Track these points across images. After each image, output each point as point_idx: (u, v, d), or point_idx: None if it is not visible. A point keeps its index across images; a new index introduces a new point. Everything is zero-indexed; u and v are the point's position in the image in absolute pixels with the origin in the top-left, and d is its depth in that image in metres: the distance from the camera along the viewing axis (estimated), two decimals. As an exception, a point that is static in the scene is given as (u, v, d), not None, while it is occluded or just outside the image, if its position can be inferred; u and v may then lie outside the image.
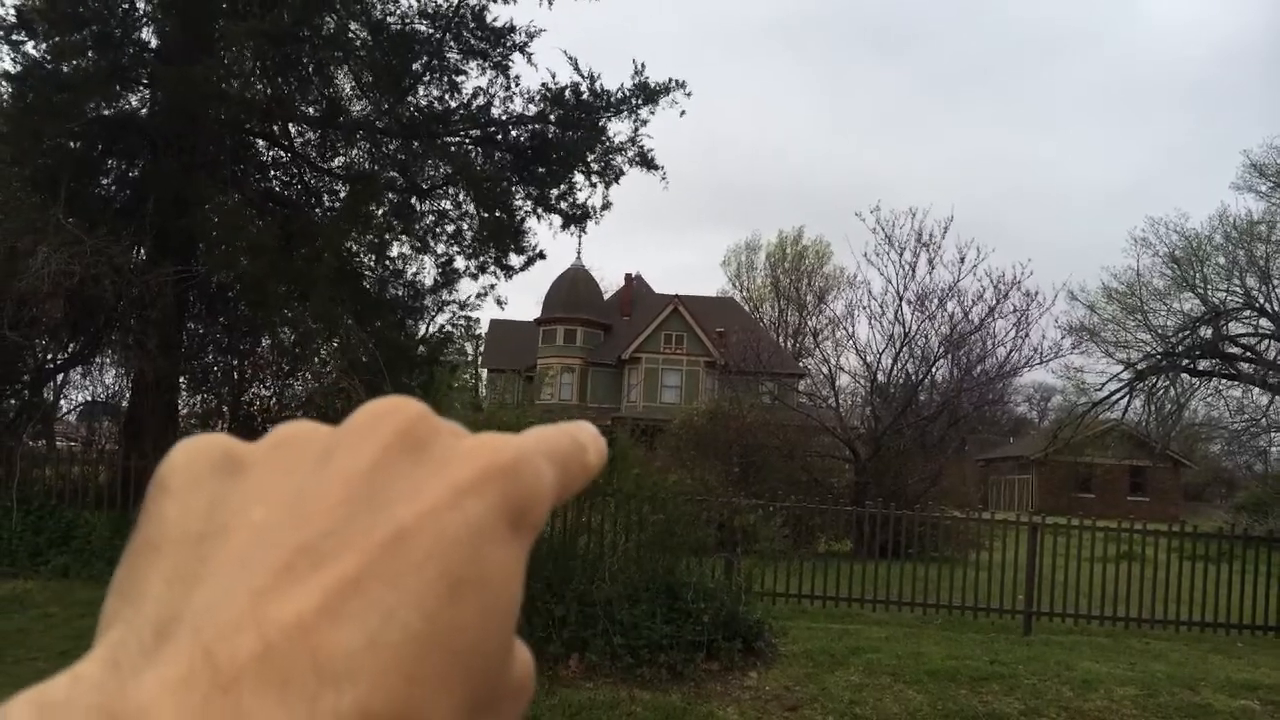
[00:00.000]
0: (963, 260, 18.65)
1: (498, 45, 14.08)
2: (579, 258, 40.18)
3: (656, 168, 14.70)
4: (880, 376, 19.21)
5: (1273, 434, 21.65)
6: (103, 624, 0.24)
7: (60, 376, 14.00)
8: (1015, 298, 18.50)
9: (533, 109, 14.41)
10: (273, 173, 15.02)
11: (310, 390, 13.41)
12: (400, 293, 15.62)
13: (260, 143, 14.56)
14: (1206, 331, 20.14)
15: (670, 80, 14.28)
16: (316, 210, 14.58)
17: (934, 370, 19.19)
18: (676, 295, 38.57)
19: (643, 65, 14.14)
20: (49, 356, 13.17)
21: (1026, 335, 18.76)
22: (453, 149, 14.30)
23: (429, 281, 15.76)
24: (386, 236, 14.65)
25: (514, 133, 14.68)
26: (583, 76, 14.05)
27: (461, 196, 14.83)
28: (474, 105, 14.36)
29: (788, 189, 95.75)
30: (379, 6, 13.54)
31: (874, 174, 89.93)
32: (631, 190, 57.76)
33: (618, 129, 14.77)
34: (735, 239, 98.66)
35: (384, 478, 0.25)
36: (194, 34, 11.82)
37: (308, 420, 0.29)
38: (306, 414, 12.58)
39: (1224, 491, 41.79)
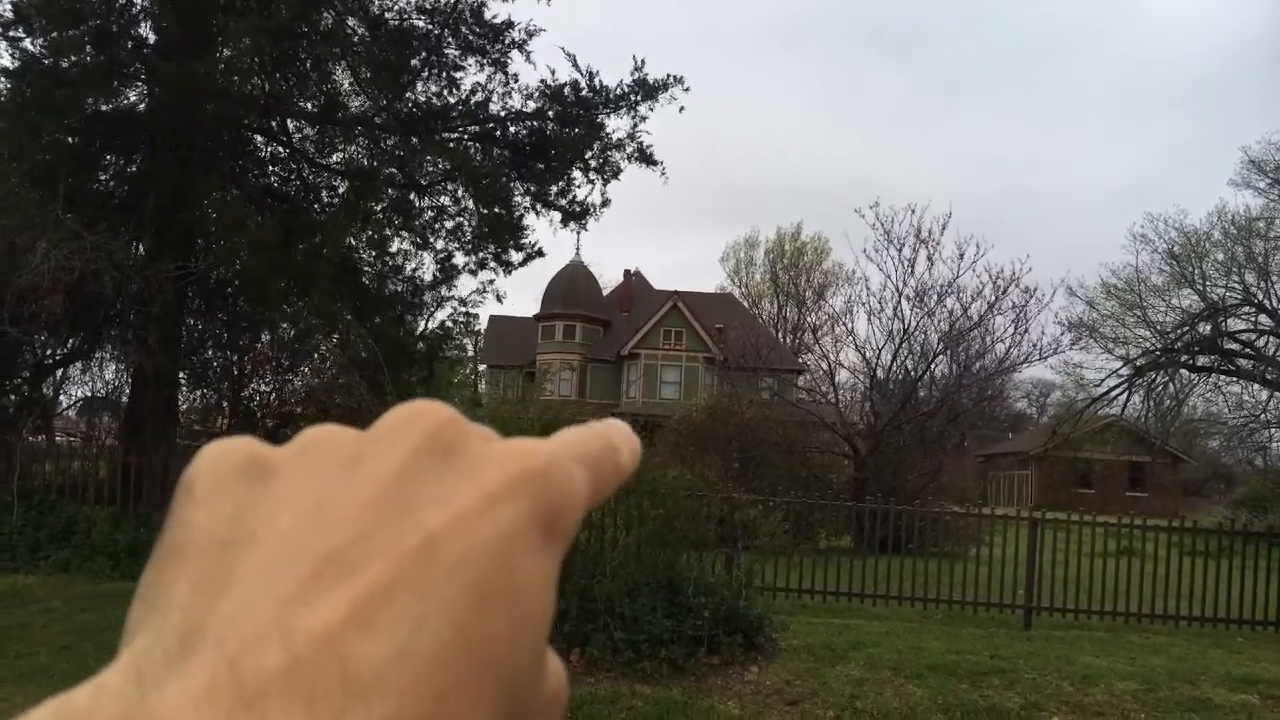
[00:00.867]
0: (962, 256, 18.69)
1: (496, 41, 14.04)
2: (578, 254, 40.18)
3: (655, 164, 14.67)
4: (879, 372, 19.24)
5: (1272, 429, 21.63)
6: (128, 631, 0.24)
7: (60, 372, 14.01)
8: (1014, 294, 18.56)
9: (532, 105, 14.39)
10: (271, 168, 14.99)
11: (310, 386, 13.40)
12: (399, 289, 15.60)
13: (259, 138, 14.52)
14: (1205, 327, 20.13)
15: (669, 76, 14.25)
16: (315, 206, 14.55)
17: (933, 366, 19.24)
18: (676, 291, 38.56)
19: (642, 61, 14.11)
20: (49, 352, 13.17)
21: (1025, 331, 18.81)
22: (451, 145, 14.27)
23: (428, 277, 15.75)
24: (386, 232, 14.64)
25: (513, 129, 14.65)
26: (582, 73, 14.02)
27: (460, 192, 14.81)
28: (473, 101, 14.32)
29: (787, 186, 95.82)
30: (377, 2, 13.49)
31: (873, 171, 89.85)
32: (631, 187, 57.98)
33: (616, 125, 14.75)
34: (734, 235, 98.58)
35: (412, 483, 0.25)
36: (192, 29, 11.79)
37: (334, 424, 0.28)
38: (306, 410, 12.61)
39: (1223, 487, 41.82)
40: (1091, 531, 10.62)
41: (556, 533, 0.26)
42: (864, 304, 19.26)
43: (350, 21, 13.32)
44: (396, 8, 13.71)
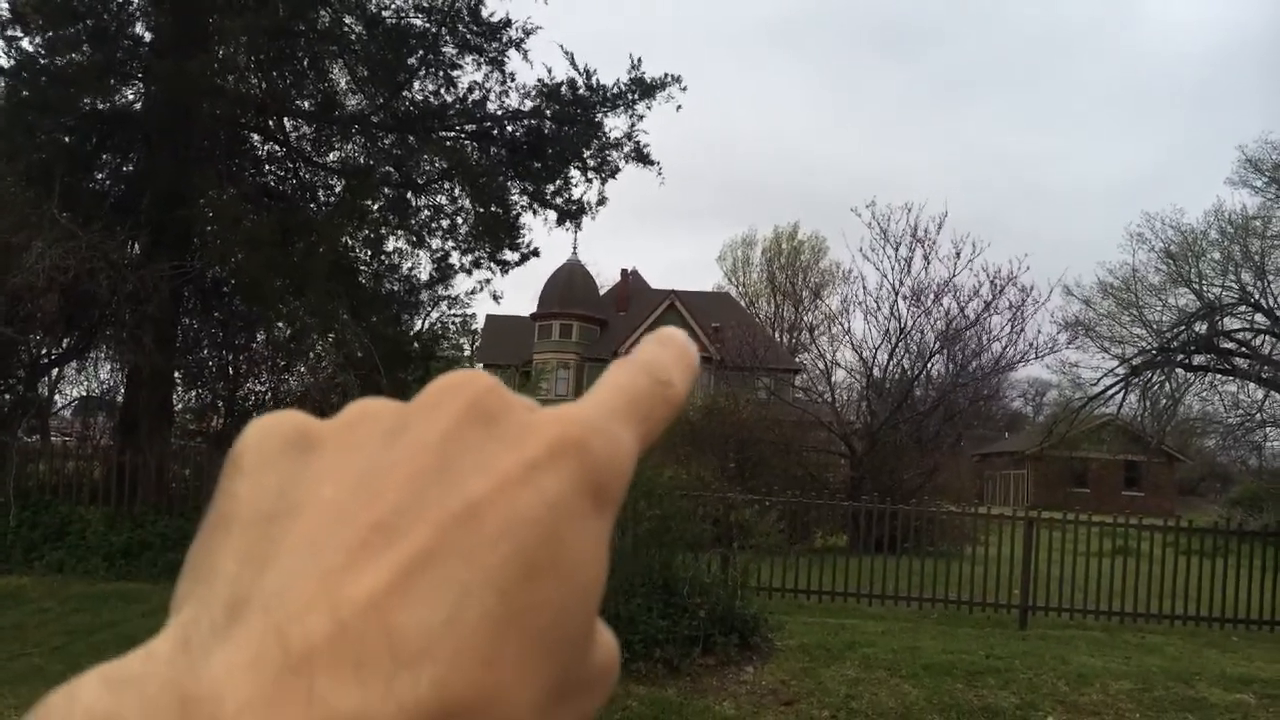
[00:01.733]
0: (958, 255, 18.67)
1: (493, 39, 14.02)
2: (575, 253, 40.19)
3: (652, 163, 14.66)
4: (876, 372, 19.23)
5: (1267, 429, 21.65)
6: (176, 601, 0.24)
7: (55, 371, 14.00)
8: (1011, 293, 18.53)
9: (528, 104, 14.36)
10: (268, 167, 14.96)
11: (305, 385, 13.39)
12: (396, 287, 15.59)
13: (255, 137, 14.49)
14: (1202, 327, 20.15)
15: (666, 75, 14.22)
16: (312, 205, 14.53)
17: (929, 365, 19.21)
18: (672, 291, 38.59)
19: (639, 60, 14.09)
20: (44, 352, 13.15)
21: (1022, 330, 18.79)
22: (448, 144, 14.25)
23: (424, 276, 15.74)
24: (382, 231, 14.62)
25: (510, 128, 14.63)
26: (579, 72, 13.99)
27: (457, 191, 14.78)
28: (469, 100, 14.30)
29: (785, 185, 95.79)
30: (373, 0, 13.49)
31: (871, 171, 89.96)
32: (628, 186, 57.72)
33: (614, 124, 14.71)
34: (732, 235, 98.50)
35: (455, 449, 0.25)
36: (188, 28, 11.77)
37: (381, 398, 0.28)
38: (301, 410, 12.57)
39: (1219, 486, 41.92)
40: (1087, 531, 10.63)
41: (606, 499, 0.25)
42: (860, 303, 19.27)
43: (347, 19, 13.30)
44: (394, 6, 13.69)
